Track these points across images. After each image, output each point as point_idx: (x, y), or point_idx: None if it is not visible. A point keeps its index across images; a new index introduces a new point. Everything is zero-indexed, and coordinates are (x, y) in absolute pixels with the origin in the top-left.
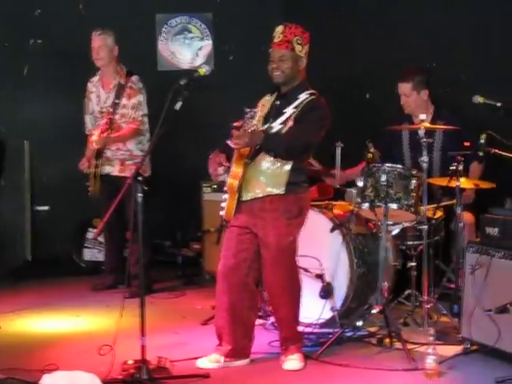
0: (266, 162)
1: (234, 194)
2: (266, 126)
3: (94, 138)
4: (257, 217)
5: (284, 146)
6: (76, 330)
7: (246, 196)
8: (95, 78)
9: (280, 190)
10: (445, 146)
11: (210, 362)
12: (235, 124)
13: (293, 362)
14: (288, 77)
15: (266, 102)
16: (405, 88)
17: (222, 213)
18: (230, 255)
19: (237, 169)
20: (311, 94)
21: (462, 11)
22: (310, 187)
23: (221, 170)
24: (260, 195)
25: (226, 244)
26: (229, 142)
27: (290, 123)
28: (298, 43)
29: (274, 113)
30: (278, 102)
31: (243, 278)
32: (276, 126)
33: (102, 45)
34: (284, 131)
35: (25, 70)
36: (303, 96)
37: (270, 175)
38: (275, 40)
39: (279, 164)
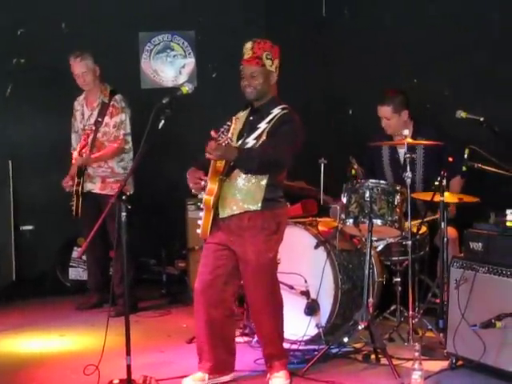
0: (241, 179)
1: (210, 210)
2: (240, 142)
3: (74, 155)
4: (234, 234)
5: (257, 162)
6: (61, 349)
7: (223, 213)
8: (81, 97)
9: (256, 207)
10: (426, 162)
11: (194, 380)
12: (211, 132)
13: (278, 379)
14: (260, 93)
15: (240, 117)
16: (385, 111)
17: (198, 231)
18: (207, 272)
19: (212, 185)
20: (283, 109)
21: (442, 26)
22: (287, 203)
23: (202, 182)
24: (236, 212)
25: (203, 261)
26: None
27: (264, 138)
28: (267, 58)
29: (247, 128)
30: (252, 118)
31: (220, 294)
32: (250, 141)
33: (85, 71)
34: (257, 146)
35: (8, 89)
36: (276, 111)
37: (246, 192)
38: (245, 57)
39: (254, 180)
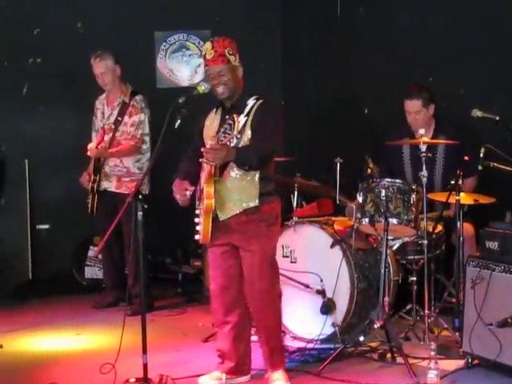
0: (234, 178)
1: (210, 213)
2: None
3: (91, 145)
4: (236, 230)
5: (257, 157)
6: (77, 348)
7: (223, 216)
8: (102, 96)
9: (254, 203)
10: (447, 161)
11: (211, 379)
12: (209, 142)
13: (280, 382)
14: (231, 89)
15: (212, 118)
16: (414, 105)
17: (197, 237)
18: (219, 274)
19: (209, 188)
20: (258, 99)
21: (457, 25)
22: (278, 196)
23: (188, 193)
24: (237, 211)
25: (212, 264)
26: (203, 160)
27: (248, 132)
28: (230, 54)
29: (226, 127)
30: (228, 116)
31: (236, 294)
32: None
33: (104, 71)
34: (244, 141)
35: (24, 88)
36: (251, 102)
37: (241, 190)
38: (208, 57)
39: (247, 177)
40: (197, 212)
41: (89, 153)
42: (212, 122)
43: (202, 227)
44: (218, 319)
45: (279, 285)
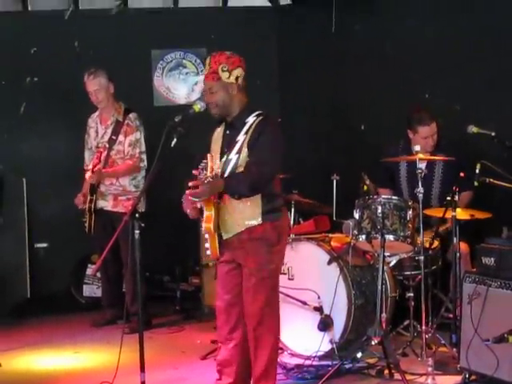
0: (234, 201)
1: (213, 235)
2: (223, 160)
3: (88, 174)
4: (237, 248)
5: (246, 186)
6: (76, 366)
7: (226, 235)
8: (95, 114)
9: (257, 221)
10: (445, 178)
11: None
12: (194, 172)
13: None
14: (222, 107)
15: (217, 133)
16: (433, 129)
17: (208, 253)
18: (225, 291)
19: (208, 212)
20: (258, 116)
21: (454, 40)
22: (287, 212)
23: (198, 204)
24: (239, 230)
25: (220, 281)
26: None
27: (245, 150)
28: (223, 70)
29: (226, 144)
30: (228, 132)
31: (240, 313)
32: (232, 156)
33: (98, 88)
34: (241, 163)
35: (22, 107)
36: (251, 119)
37: (243, 209)
38: (205, 72)
39: (250, 197)
40: (203, 233)
41: (88, 180)
42: (217, 137)
43: (210, 245)
44: (222, 336)
45: (277, 309)
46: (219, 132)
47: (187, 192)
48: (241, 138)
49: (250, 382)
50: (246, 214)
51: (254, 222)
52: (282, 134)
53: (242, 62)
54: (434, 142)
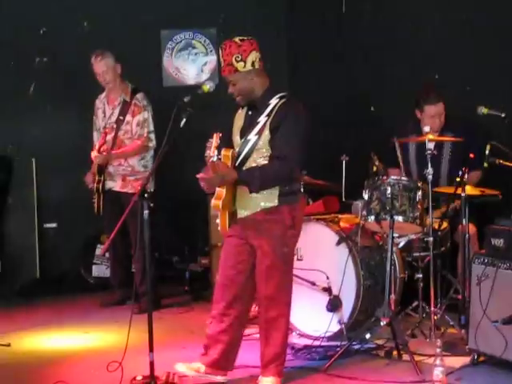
0: None
1: (222, 212)
2: (243, 140)
3: (93, 154)
4: (251, 228)
5: (259, 184)
6: (85, 346)
7: (241, 214)
8: (102, 95)
9: (273, 203)
10: (453, 158)
11: (188, 369)
12: (206, 153)
13: None
14: (246, 95)
15: (239, 115)
16: (440, 108)
17: (219, 228)
18: (229, 266)
19: (220, 188)
20: (281, 98)
21: (463, 22)
22: (303, 196)
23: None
24: (255, 210)
25: (224, 254)
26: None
27: (266, 133)
28: (237, 61)
29: (247, 124)
30: (250, 113)
31: (240, 291)
32: (252, 137)
33: (105, 70)
34: (260, 146)
35: (31, 88)
36: (274, 101)
37: (257, 192)
38: (222, 66)
39: None
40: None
41: (95, 160)
42: (238, 117)
43: (220, 221)
44: (216, 311)
45: (289, 292)
46: (241, 113)
47: (200, 175)
48: (262, 119)
49: (234, 361)
50: (263, 194)
51: (270, 204)
52: (306, 118)
53: (254, 44)
54: (441, 122)
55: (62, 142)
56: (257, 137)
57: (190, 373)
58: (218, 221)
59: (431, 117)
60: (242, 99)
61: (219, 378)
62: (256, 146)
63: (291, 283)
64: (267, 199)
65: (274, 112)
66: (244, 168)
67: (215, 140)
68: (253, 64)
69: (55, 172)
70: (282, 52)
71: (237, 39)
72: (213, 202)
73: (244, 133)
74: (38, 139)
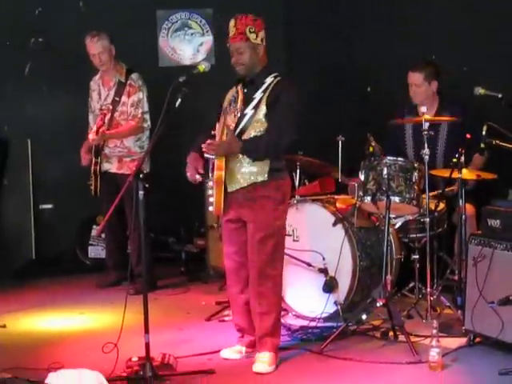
0: None
1: (221, 185)
2: (239, 115)
3: (91, 136)
4: (244, 206)
5: (264, 151)
6: (80, 327)
7: (231, 187)
8: (97, 76)
9: (263, 178)
10: (450, 139)
11: (233, 352)
12: (213, 132)
13: (261, 365)
14: (250, 67)
15: (232, 93)
16: (417, 78)
17: (210, 208)
18: (234, 251)
19: (220, 161)
20: (276, 77)
21: (461, 3)
22: (288, 174)
23: (199, 177)
24: (244, 184)
25: (227, 240)
26: (205, 152)
27: (263, 107)
28: (250, 32)
29: (244, 100)
30: (246, 90)
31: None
32: (248, 111)
33: (101, 51)
34: (256, 119)
35: (26, 68)
36: (269, 79)
37: (252, 164)
38: (230, 35)
39: None
40: (210, 184)
41: (92, 142)
42: (231, 95)
43: (215, 198)
44: (233, 295)
45: (281, 265)
46: (233, 91)
47: (208, 141)
48: (258, 95)
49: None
50: (253, 168)
51: (260, 178)
52: (299, 95)
53: (264, 25)
54: (421, 94)
55: (57, 123)
56: (253, 111)
57: (234, 356)
58: (211, 199)
59: (410, 85)
60: (243, 69)
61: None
62: (252, 119)
63: (283, 256)
64: (257, 174)
65: (269, 89)
66: None
67: (241, 92)
68: (262, 40)
69: (51, 153)
70: (279, 32)
71: (251, 15)
72: (216, 173)
73: (239, 109)
74: (34, 120)
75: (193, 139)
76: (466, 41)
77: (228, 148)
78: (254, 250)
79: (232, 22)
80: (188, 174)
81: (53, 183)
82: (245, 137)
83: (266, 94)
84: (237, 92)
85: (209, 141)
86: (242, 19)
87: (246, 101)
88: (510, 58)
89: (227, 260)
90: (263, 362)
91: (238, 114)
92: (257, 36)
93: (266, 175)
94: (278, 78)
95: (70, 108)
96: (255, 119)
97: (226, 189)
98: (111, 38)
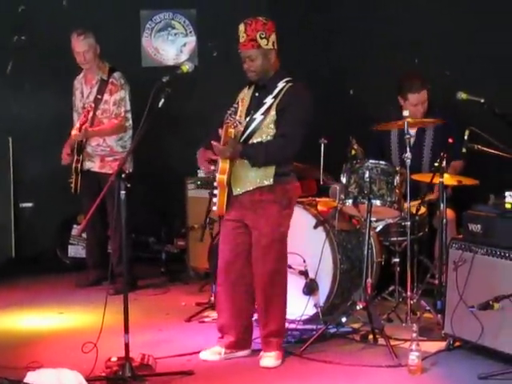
0: None
1: (224, 188)
2: (248, 119)
3: (74, 132)
4: (248, 209)
5: (263, 159)
6: (60, 327)
7: (236, 191)
8: (80, 76)
9: (269, 182)
10: (435, 144)
11: (211, 354)
12: (220, 131)
13: (269, 359)
14: (261, 73)
15: (245, 95)
16: (424, 95)
17: (214, 208)
18: (228, 250)
19: (223, 164)
20: (288, 82)
21: (444, 6)
22: (296, 178)
23: (212, 167)
24: (250, 188)
25: (223, 239)
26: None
27: (273, 113)
28: (261, 38)
29: (254, 104)
30: (257, 94)
31: (241, 271)
32: (258, 116)
33: (86, 49)
34: (265, 125)
35: (9, 66)
36: (281, 84)
37: (259, 168)
38: (240, 40)
39: None
40: (215, 184)
41: (74, 137)
42: (243, 97)
43: (218, 200)
44: (219, 292)
45: (285, 271)
46: (246, 93)
47: (214, 143)
48: (269, 100)
49: (251, 338)
50: (259, 172)
51: (266, 182)
52: (311, 102)
53: (274, 26)
54: (424, 110)
55: (39, 121)
56: (262, 116)
57: (213, 357)
58: (214, 200)
59: (414, 105)
60: (255, 75)
61: (241, 353)
62: (261, 125)
63: (286, 260)
64: (263, 177)
65: (281, 94)
66: None
67: (241, 105)
68: (273, 44)
69: (32, 151)
70: None
71: (261, 18)
72: (218, 176)
73: (249, 112)
74: (15, 118)
75: (174, 140)
76: (448, 45)
77: (233, 152)
78: (258, 256)
79: (242, 27)
80: (201, 167)
81: (33, 182)
82: (252, 141)
83: (277, 100)
84: (249, 96)
85: (214, 143)
86: (251, 24)
87: (257, 105)
88: (493, 63)
89: (220, 258)
90: (270, 356)
91: (248, 118)
92: (268, 41)
93: (272, 179)
94: (290, 84)
95: (52, 106)
96: (264, 124)
97: (231, 191)
98: (95, 36)
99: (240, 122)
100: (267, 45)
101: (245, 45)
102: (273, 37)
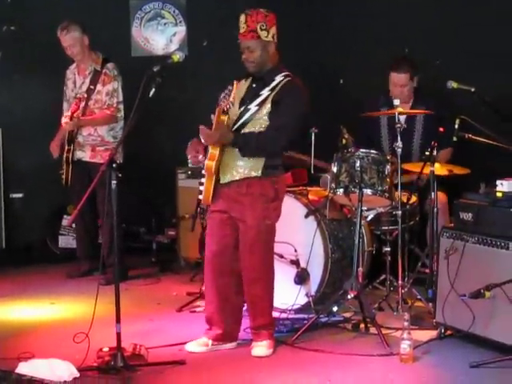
0: None
1: (212, 175)
2: (242, 109)
3: (64, 120)
4: (234, 201)
5: (253, 149)
6: (51, 317)
7: (224, 179)
8: (73, 66)
9: (257, 173)
10: (425, 132)
11: (198, 345)
12: (212, 116)
13: (261, 348)
14: (260, 64)
15: (242, 85)
16: (403, 78)
17: (200, 196)
18: (214, 242)
19: (213, 150)
20: (286, 76)
21: None
22: (286, 172)
23: (200, 156)
24: (237, 178)
25: (209, 230)
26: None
27: (268, 105)
28: (262, 29)
29: (250, 95)
30: (254, 85)
31: (229, 263)
32: (252, 107)
33: (72, 43)
34: (259, 117)
35: None
36: (279, 78)
37: (248, 159)
38: (240, 31)
39: None
40: (203, 172)
41: (65, 126)
42: (240, 88)
43: (204, 188)
44: (208, 286)
45: (272, 263)
46: (244, 83)
47: (201, 127)
48: (265, 92)
49: (239, 331)
50: (249, 163)
51: (254, 174)
52: (307, 98)
53: (275, 20)
54: (404, 93)
55: (29, 111)
56: (257, 107)
57: (200, 349)
58: (201, 188)
59: (394, 85)
60: (253, 67)
61: (229, 345)
62: (255, 116)
63: (273, 253)
64: (252, 168)
65: (278, 87)
66: None
67: (235, 87)
68: (273, 36)
69: (22, 142)
70: None
71: (263, 10)
72: (206, 162)
73: (244, 102)
74: (5, 109)
75: (164, 130)
76: (439, 33)
77: (221, 137)
78: (245, 249)
79: (242, 18)
80: (189, 157)
81: (24, 172)
82: (243, 131)
83: (274, 92)
84: (246, 87)
85: (202, 126)
86: (253, 15)
87: (252, 96)
88: (484, 52)
89: (206, 250)
90: (262, 346)
91: (242, 108)
92: (268, 33)
93: (260, 171)
94: (288, 79)
95: (42, 97)
96: (258, 116)
97: (218, 180)
98: (84, 28)
99: (233, 104)
100: (267, 37)
101: (245, 35)
102: (273, 29)
